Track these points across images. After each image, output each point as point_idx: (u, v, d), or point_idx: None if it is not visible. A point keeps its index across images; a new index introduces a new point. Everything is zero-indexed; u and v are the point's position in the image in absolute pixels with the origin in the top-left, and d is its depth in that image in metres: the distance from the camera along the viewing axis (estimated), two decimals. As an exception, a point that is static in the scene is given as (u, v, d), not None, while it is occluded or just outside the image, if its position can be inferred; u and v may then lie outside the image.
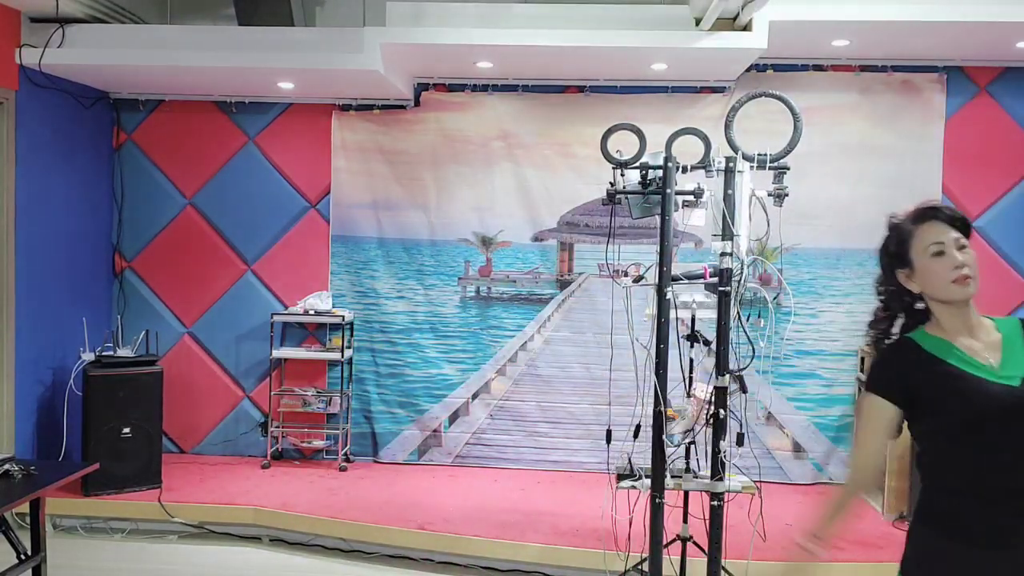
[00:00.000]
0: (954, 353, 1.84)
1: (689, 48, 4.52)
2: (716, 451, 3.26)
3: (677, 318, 3.34)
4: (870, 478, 1.94)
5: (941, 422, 1.83)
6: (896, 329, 1.96)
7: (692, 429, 3.33)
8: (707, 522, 3.31)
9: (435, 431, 5.56)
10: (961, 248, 1.84)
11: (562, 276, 5.56)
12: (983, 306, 5.79)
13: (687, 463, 3.42)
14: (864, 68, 5.19)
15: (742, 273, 3.35)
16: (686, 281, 3.33)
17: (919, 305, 1.94)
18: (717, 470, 3.27)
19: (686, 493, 3.56)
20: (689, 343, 3.42)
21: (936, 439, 1.86)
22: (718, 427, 3.25)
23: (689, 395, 3.43)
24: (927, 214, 1.89)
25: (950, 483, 1.83)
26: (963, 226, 1.88)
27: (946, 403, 1.81)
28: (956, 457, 1.82)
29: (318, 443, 5.59)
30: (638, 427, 3.40)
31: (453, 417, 5.56)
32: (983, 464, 1.78)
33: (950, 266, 1.83)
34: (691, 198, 3.47)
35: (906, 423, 1.89)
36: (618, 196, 3.46)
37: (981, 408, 1.78)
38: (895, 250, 1.92)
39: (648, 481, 3.33)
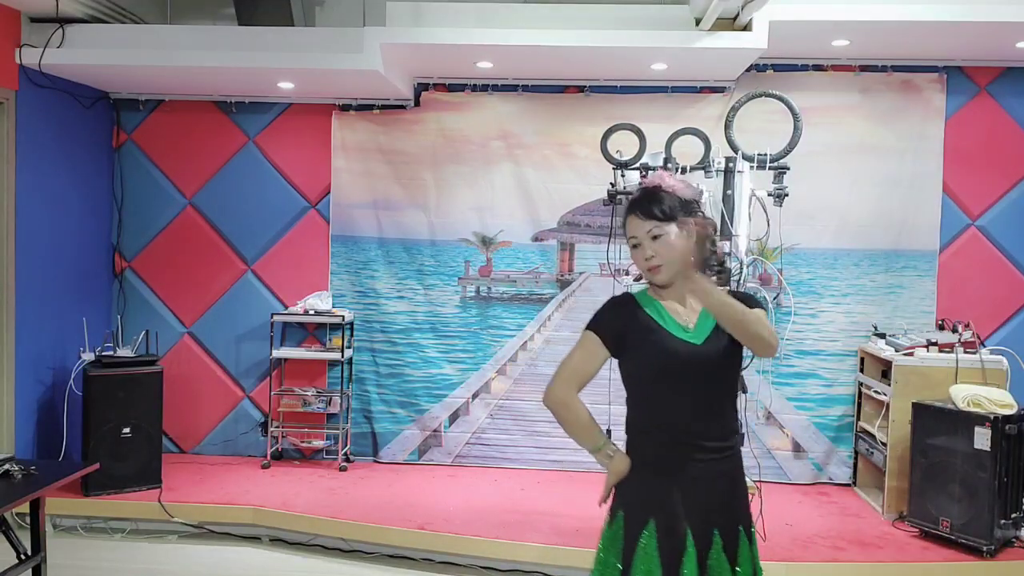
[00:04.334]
0: (659, 311, 2.16)
1: (689, 48, 4.52)
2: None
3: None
4: (574, 388, 2.24)
5: (639, 365, 2.17)
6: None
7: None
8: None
9: (435, 431, 5.56)
10: (655, 238, 2.10)
11: (562, 275, 5.56)
12: (986, 304, 5.74)
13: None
14: (864, 68, 5.19)
15: (741, 273, 3.36)
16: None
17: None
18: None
19: (686, 493, 3.55)
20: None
21: (635, 381, 2.20)
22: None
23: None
24: (630, 208, 2.16)
25: (643, 422, 2.18)
26: (663, 216, 2.09)
27: (643, 349, 2.14)
28: (649, 399, 2.18)
29: (318, 443, 5.59)
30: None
31: (453, 417, 5.56)
32: (668, 406, 2.14)
33: (642, 258, 2.14)
34: (691, 198, 3.47)
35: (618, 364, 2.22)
36: (618, 196, 3.47)
37: (667, 358, 2.12)
38: (623, 231, 2.22)
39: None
